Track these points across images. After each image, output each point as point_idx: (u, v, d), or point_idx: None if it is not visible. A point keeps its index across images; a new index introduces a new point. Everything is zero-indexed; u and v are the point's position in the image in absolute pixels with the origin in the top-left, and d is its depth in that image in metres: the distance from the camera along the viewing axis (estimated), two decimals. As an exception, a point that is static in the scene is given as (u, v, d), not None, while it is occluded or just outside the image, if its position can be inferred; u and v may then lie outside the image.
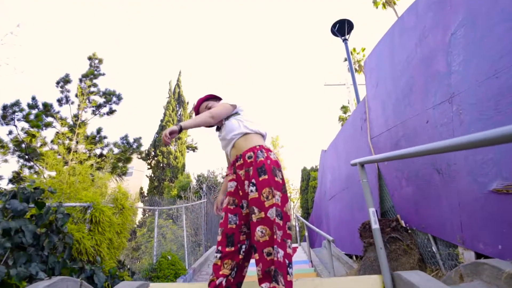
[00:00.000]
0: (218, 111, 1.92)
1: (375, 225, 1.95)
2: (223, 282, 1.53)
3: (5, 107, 7.31)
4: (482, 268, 1.70)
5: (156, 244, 5.28)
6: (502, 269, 1.55)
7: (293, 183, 25.75)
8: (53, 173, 4.40)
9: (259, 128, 1.92)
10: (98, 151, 9.03)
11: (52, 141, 7.81)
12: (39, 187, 2.50)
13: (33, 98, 8.08)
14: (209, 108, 2.08)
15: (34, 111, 7.84)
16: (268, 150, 1.77)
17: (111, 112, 9.37)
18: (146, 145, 19.63)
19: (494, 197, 2.04)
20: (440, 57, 2.75)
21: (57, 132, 7.79)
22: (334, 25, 9.61)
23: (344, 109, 18.12)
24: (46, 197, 2.92)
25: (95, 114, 9.13)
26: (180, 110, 21.03)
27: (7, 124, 7.34)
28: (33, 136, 7.21)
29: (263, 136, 1.94)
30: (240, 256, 1.60)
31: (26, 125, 7.58)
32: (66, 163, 5.37)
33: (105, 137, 9.09)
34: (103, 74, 9.58)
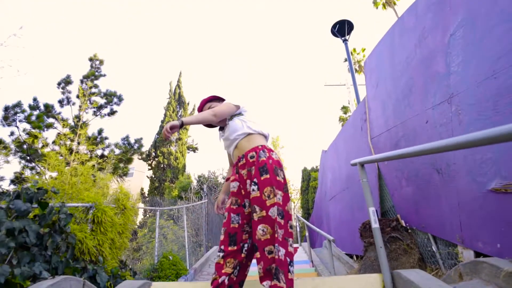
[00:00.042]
0: (221, 110, 1.93)
1: (375, 224, 1.97)
2: (226, 281, 1.54)
3: (6, 108, 7.34)
4: (481, 266, 1.72)
5: (157, 244, 5.30)
6: (501, 267, 1.56)
7: (294, 184, 25.76)
8: (54, 174, 4.43)
9: (262, 128, 1.94)
10: (99, 152, 9.06)
11: (54, 142, 7.83)
12: (42, 187, 2.52)
13: (35, 99, 8.12)
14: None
15: (36, 112, 7.88)
16: (270, 150, 1.79)
17: (112, 113, 9.40)
18: (146, 146, 19.66)
19: (493, 197, 2.06)
20: (439, 57, 2.77)
21: (59, 133, 7.83)
22: (334, 26, 9.64)
23: (345, 109, 18.13)
24: (49, 197, 2.95)
25: (96, 115, 9.17)
26: (180, 110, 21.07)
27: (9, 125, 7.37)
28: (35, 137, 7.24)
29: (265, 137, 1.96)
30: (243, 255, 1.62)
31: (27, 126, 7.62)
32: (68, 163, 5.39)
33: (106, 138, 9.12)
34: (104, 75, 9.61)
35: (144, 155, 18.16)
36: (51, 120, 8.31)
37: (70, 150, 6.20)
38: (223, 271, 1.57)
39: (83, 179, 4.03)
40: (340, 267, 5.12)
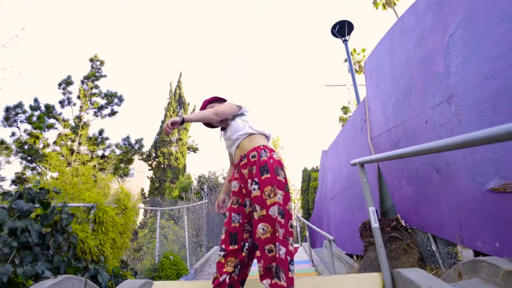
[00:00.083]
0: (222, 109, 1.94)
1: (375, 224, 1.99)
2: (227, 280, 1.56)
3: (8, 109, 7.36)
4: (480, 265, 1.73)
5: (158, 244, 5.31)
6: (500, 266, 1.58)
7: (294, 184, 25.76)
8: (55, 174, 4.45)
9: (263, 129, 1.96)
10: (100, 152, 9.08)
11: (55, 143, 7.85)
12: (44, 187, 2.54)
13: (35, 100, 8.13)
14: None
15: (37, 113, 7.89)
16: (272, 150, 1.81)
17: (112, 113, 9.41)
18: (147, 146, 19.70)
19: (491, 196, 2.07)
20: (439, 58, 2.78)
21: (60, 134, 7.84)
22: (334, 26, 9.66)
23: (345, 109, 18.15)
24: (51, 197, 2.96)
25: (97, 116, 9.18)
26: (181, 111, 21.09)
27: (10, 126, 7.39)
28: (37, 137, 7.26)
29: (267, 137, 1.98)
30: (243, 254, 1.63)
31: (28, 127, 7.64)
32: (69, 164, 5.41)
33: (107, 138, 9.14)
34: (105, 76, 9.63)
35: (144, 156, 18.21)
36: (52, 120, 8.33)
37: (71, 151, 6.22)
38: (224, 270, 1.58)
39: (84, 179, 4.05)
40: (340, 267, 5.13)
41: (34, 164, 7.55)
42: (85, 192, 3.74)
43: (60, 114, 8.70)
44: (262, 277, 1.47)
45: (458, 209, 2.47)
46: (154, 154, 19.62)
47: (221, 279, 1.55)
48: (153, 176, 19.15)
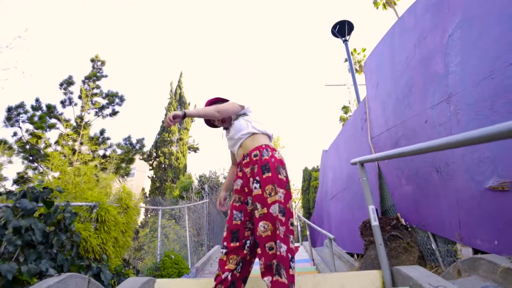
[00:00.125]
0: (225, 107, 1.95)
1: (375, 222, 2.01)
2: (229, 277, 1.58)
3: (9, 109, 7.40)
4: (479, 263, 1.76)
5: (159, 243, 5.34)
6: (498, 263, 1.60)
7: (295, 184, 25.76)
8: (56, 174, 4.47)
9: (266, 129, 1.98)
10: (101, 152, 9.12)
11: (57, 142, 7.89)
12: (47, 186, 2.56)
13: (37, 100, 8.17)
14: None
15: (38, 113, 7.93)
16: (273, 149, 1.83)
17: (114, 113, 9.45)
18: (147, 146, 19.73)
19: (490, 195, 2.10)
20: (438, 58, 2.81)
21: (61, 134, 7.88)
22: (334, 26, 9.68)
23: (345, 109, 18.18)
24: (54, 196, 2.99)
25: (98, 116, 9.22)
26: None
27: (12, 126, 7.43)
28: (39, 137, 7.30)
29: (269, 137, 2.00)
30: (245, 251, 1.65)
31: (30, 127, 7.68)
32: (71, 163, 5.44)
33: (108, 138, 9.18)
34: (106, 76, 9.67)
35: (145, 155, 18.24)
36: (53, 120, 8.37)
37: (73, 150, 6.25)
38: (226, 267, 1.61)
39: (86, 179, 4.08)
40: (341, 265, 5.16)
41: (35, 164, 7.58)
42: (87, 192, 3.77)
43: (62, 114, 8.75)
44: (263, 274, 1.49)
45: (458, 208, 2.49)
46: (155, 154, 19.67)
47: (223, 276, 1.58)
48: (154, 176, 19.20)
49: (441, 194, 2.73)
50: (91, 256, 3.00)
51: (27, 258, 2.22)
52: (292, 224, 1.63)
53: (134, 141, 9.87)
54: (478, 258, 1.76)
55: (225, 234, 1.71)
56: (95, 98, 9.06)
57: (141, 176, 22.90)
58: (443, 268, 2.81)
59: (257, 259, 1.66)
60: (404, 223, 3.46)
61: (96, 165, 5.54)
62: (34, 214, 2.41)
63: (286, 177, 1.73)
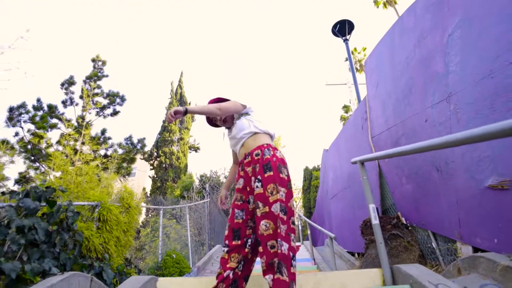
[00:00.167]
0: (226, 106, 1.96)
1: (375, 221, 2.03)
2: (230, 275, 1.59)
3: (11, 109, 7.43)
4: (478, 261, 1.77)
5: (161, 242, 5.36)
6: (497, 262, 1.61)
7: (295, 183, 25.74)
8: (58, 174, 4.49)
9: (267, 128, 1.99)
10: (102, 152, 9.14)
11: (58, 142, 7.91)
12: (50, 186, 2.58)
13: (38, 100, 8.19)
14: None
15: (40, 113, 7.95)
16: (275, 148, 1.84)
17: (115, 113, 9.47)
18: (148, 146, 19.76)
19: (490, 193, 2.11)
20: (438, 57, 2.82)
21: (63, 133, 7.91)
22: (335, 26, 9.67)
23: (346, 108, 18.18)
24: (57, 196, 3.01)
25: (99, 116, 9.25)
26: (182, 111, 21.09)
27: (13, 126, 7.46)
28: (41, 137, 7.32)
29: (271, 136, 2.01)
30: (246, 250, 1.67)
31: (32, 127, 7.70)
32: (72, 163, 5.46)
33: (109, 138, 9.21)
34: (107, 76, 9.68)
35: (146, 155, 18.27)
36: (54, 120, 8.39)
37: (75, 150, 6.27)
38: (227, 265, 1.62)
39: (88, 179, 4.10)
40: (341, 264, 5.17)
41: (37, 164, 7.61)
42: (89, 191, 3.78)
43: (63, 114, 8.77)
44: (264, 273, 1.50)
45: (458, 207, 2.50)
46: (155, 154, 19.69)
47: (224, 274, 1.59)
48: (155, 176, 19.22)
49: (441, 193, 2.75)
50: (93, 255, 3.02)
51: (31, 257, 2.24)
52: (293, 223, 1.65)
53: (135, 140, 9.91)
54: (477, 256, 1.77)
55: (226, 232, 1.73)
56: (96, 98, 9.08)
57: (142, 175, 22.91)
58: (443, 266, 2.82)
59: (258, 258, 1.67)
60: (404, 222, 3.47)
61: (97, 165, 5.56)
62: (37, 214, 2.42)
63: (288, 176, 1.74)
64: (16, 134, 7.52)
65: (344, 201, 6.25)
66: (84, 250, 2.95)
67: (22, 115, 7.50)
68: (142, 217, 12.92)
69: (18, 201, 2.32)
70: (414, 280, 1.66)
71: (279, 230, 1.52)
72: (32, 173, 7.59)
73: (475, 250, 2.31)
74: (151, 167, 19.86)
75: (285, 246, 1.51)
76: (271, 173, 1.66)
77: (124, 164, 9.22)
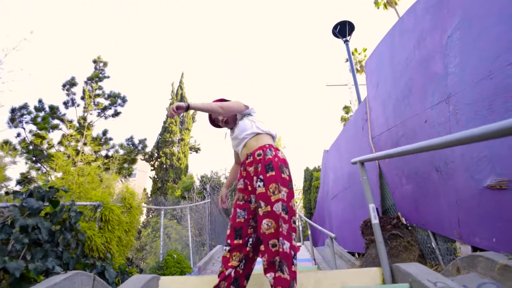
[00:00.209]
0: (229, 104, 1.98)
1: (375, 220, 2.05)
2: (232, 273, 1.61)
3: (13, 110, 7.46)
4: (477, 260, 1.79)
5: (162, 242, 5.39)
6: (496, 260, 1.63)
7: (296, 184, 25.73)
8: (59, 174, 4.52)
9: (270, 129, 2.01)
10: (103, 153, 9.17)
11: (60, 143, 7.95)
12: (53, 186, 2.60)
13: (40, 101, 8.23)
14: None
15: (41, 114, 7.99)
16: (277, 149, 1.86)
17: (116, 114, 9.50)
18: (149, 146, 19.76)
19: (488, 193, 2.13)
20: (437, 59, 2.84)
21: (64, 134, 7.94)
22: (335, 27, 9.70)
23: (346, 109, 18.19)
24: (60, 196, 3.03)
25: (101, 116, 9.28)
26: (182, 111, 21.12)
27: (15, 127, 7.49)
28: (43, 138, 7.35)
29: (273, 137, 2.03)
30: (248, 249, 1.69)
31: (33, 128, 7.74)
32: (74, 164, 5.49)
33: (110, 139, 9.24)
34: (108, 77, 9.72)
35: (147, 156, 18.29)
36: (56, 121, 8.43)
37: (76, 151, 6.30)
38: (229, 264, 1.64)
39: (90, 179, 4.13)
40: (342, 264, 5.18)
41: (39, 165, 7.64)
42: (91, 192, 3.81)
43: (64, 115, 8.80)
44: (266, 271, 1.52)
45: (457, 207, 2.52)
46: (156, 155, 19.71)
47: (226, 273, 1.61)
48: (156, 176, 19.24)
49: (441, 193, 2.77)
50: (95, 255, 3.04)
51: (34, 256, 2.26)
52: (294, 222, 1.67)
53: (136, 141, 9.93)
54: (476, 255, 1.79)
55: (228, 231, 1.75)
56: (98, 99, 9.12)
57: (142, 176, 22.95)
58: (443, 266, 2.84)
59: (259, 258, 1.69)
60: (404, 222, 3.49)
61: (99, 166, 5.59)
62: (40, 213, 2.45)
63: (289, 176, 1.76)
64: (18, 135, 7.56)
65: (345, 201, 6.27)
66: (87, 249, 2.97)
67: (24, 116, 7.54)
68: (143, 218, 12.94)
69: (22, 201, 2.34)
70: (413, 278, 1.68)
71: (280, 229, 1.54)
72: (33, 173, 7.62)
73: (474, 249, 2.33)
74: (152, 168, 19.88)
75: (286, 245, 1.53)
76: (273, 173, 1.68)
77: (126, 165, 9.25)
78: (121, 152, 9.41)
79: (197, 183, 14.74)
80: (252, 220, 1.74)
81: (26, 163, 7.69)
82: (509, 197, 1.95)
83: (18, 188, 7.38)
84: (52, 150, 7.66)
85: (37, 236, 2.31)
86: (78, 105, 9.01)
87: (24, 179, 7.28)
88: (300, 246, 9.53)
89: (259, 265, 1.93)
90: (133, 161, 9.51)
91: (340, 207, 6.74)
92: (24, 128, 7.53)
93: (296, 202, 25.00)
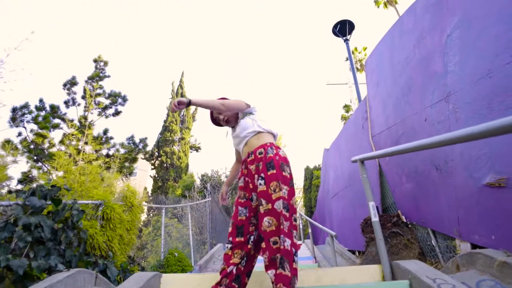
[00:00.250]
0: (230, 102, 2.00)
1: (375, 218, 2.06)
2: (234, 270, 1.63)
3: (14, 109, 7.48)
4: (476, 257, 1.80)
5: (163, 241, 5.41)
6: (494, 257, 1.65)
7: (296, 182, 25.75)
8: (60, 173, 4.54)
9: (271, 128, 2.02)
10: (104, 152, 9.19)
11: (61, 142, 7.97)
12: (55, 185, 2.62)
13: (41, 101, 8.25)
14: (220, 113, 2.14)
15: (42, 113, 8.01)
16: (278, 147, 1.88)
17: (117, 113, 9.52)
18: (149, 145, 19.78)
19: (487, 191, 2.14)
20: (437, 57, 2.85)
21: (65, 133, 7.96)
22: (335, 26, 9.70)
23: (347, 108, 18.19)
24: (62, 194, 3.05)
25: (101, 116, 9.30)
26: (183, 110, 21.18)
27: (16, 126, 7.51)
28: (44, 137, 7.37)
29: (274, 136, 2.04)
30: (249, 246, 1.70)
31: (34, 127, 7.76)
32: (75, 162, 5.51)
33: (111, 138, 9.26)
34: (109, 76, 9.74)
35: (147, 155, 18.32)
36: (57, 120, 8.45)
37: (77, 150, 6.33)
38: (231, 261, 1.66)
39: (91, 178, 4.15)
40: (342, 262, 5.20)
41: (40, 164, 7.66)
42: (92, 190, 3.83)
43: (65, 114, 8.83)
44: (267, 268, 1.54)
45: (456, 204, 2.54)
46: (156, 154, 19.73)
47: (228, 270, 1.63)
48: (156, 175, 19.27)
49: (441, 191, 2.78)
50: (97, 253, 3.06)
51: (37, 254, 2.29)
52: (295, 220, 1.68)
53: (137, 140, 9.96)
54: (475, 252, 1.81)
55: (230, 229, 1.76)
56: (99, 98, 9.14)
57: (143, 175, 22.97)
58: (442, 263, 2.85)
59: (260, 257, 1.70)
60: (404, 220, 3.51)
61: (100, 165, 5.61)
62: (43, 212, 2.47)
63: (290, 174, 1.78)
64: (19, 134, 7.59)
65: (345, 200, 6.29)
66: (89, 247, 2.99)
67: (25, 115, 7.56)
68: (143, 216, 12.96)
69: (25, 200, 2.37)
70: (413, 275, 1.70)
71: (281, 227, 1.56)
72: (35, 173, 7.64)
73: (474, 247, 2.34)
74: (152, 167, 19.91)
75: (287, 242, 1.55)
76: (274, 171, 1.70)
77: (126, 164, 9.28)
78: (122, 151, 9.44)
79: (198, 182, 14.78)
80: (253, 218, 1.76)
81: (27, 162, 7.72)
82: (507, 195, 1.96)
83: (19, 187, 7.40)
84: (53, 149, 7.69)
85: (40, 234, 2.33)
86: (79, 105, 9.05)
87: (26, 178, 7.30)
88: (301, 244, 9.56)
89: (260, 263, 1.95)
90: (134, 160, 9.53)
91: (340, 206, 6.76)
92: (25, 127, 7.56)
93: (297, 201, 24.99)
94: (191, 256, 6.36)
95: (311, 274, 2.02)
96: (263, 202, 1.64)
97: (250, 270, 1.74)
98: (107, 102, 9.36)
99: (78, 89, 9.35)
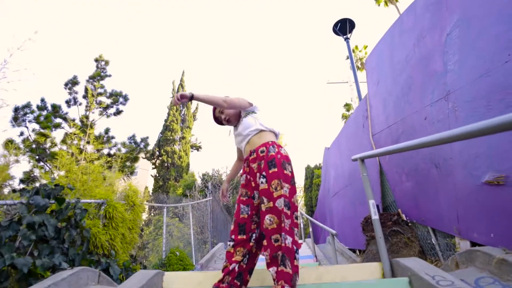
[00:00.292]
0: (233, 99, 2.00)
1: (375, 216, 2.08)
2: (236, 268, 1.65)
3: (16, 109, 7.52)
4: (475, 255, 1.82)
5: (164, 240, 5.44)
6: (493, 255, 1.67)
7: (297, 181, 25.73)
8: (62, 173, 4.56)
9: (273, 126, 2.04)
10: (106, 151, 9.22)
11: (63, 141, 7.99)
12: (59, 184, 2.65)
13: (42, 100, 8.27)
14: (222, 112, 2.16)
15: (44, 113, 8.04)
16: (279, 146, 1.90)
17: (118, 112, 9.54)
18: (151, 145, 19.81)
19: (486, 189, 2.16)
20: (437, 56, 2.87)
21: (67, 133, 7.99)
22: (335, 25, 9.70)
23: (347, 106, 18.19)
24: (65, 193, 3.08)
25: (103, 115, 9.33)
26: (184, 109, 21.20)
27: (18, 126, 7.54)
28: (46, 137, 7.40)
29: (276, 134, 2.06)
30: (251, 244, 1.72)
31: (36, 126, 7.79)
32: (77, 162, 5.54)
33: (113, 137, 9.28)
34: (110, 76, 9.76)
35: (148, 154, 18.35)
36: (58, 120, 8.48)
37: (79, 149, 6.36)
38: (233, 259, 1.68)
39: (93, 177, 4.17)
40: (343, 261, 5.23)
41: (42, 163, 7.69)
42: (94, 189, 3.85)
43: (67, 113, 8.85)
44: (268, 265, 1.56)
45: (456, 203, 2.56)
46: (157, 153, 19.76)
47: (230, 267, 1.65)
48: (157, 175, 19.30)
49: (440, 189, 2.80)
50: (100, 252, 3.09)
51: (41, 252, 2.31)
52: (296, 218, 1.70)
53: (138, 140, 9.98)
54: (474, 250, 1.83)
55: (232, 227, 1.78)
56: (100, 98, 9.16)
57: (144, 174, 22.99)
58: (442, 261, 2.87)
59: (261, 256, 1.72)
60: (404, 219, 3.52)
61: (102, 164, 5.63)
62: (47, 211, 2.49)
63: (291, 172, 1.80)
64: (21, 133, 7.62)
65: (346, 198, 6.31)
66: (91, 246, 3.02)
67: (27, 115, 7.59)
68: (145, 216, 12.98)
69: (29, 199, 2.39)
70: (413, 272, 1.72)
71: (283, 225, 1.58)
72: (37, 172, 7.67)
73: (473, 244, 2.36)
74: (153, 166, 19.93)
75: (289, 240, 1.57)
76: (276, 169, 1.71)
77: (128, 163, 9.30)
78: (123, 150, 9.46)
79: (199, 181, 14.81)
80: (255, 215, 1.78)
81: (29, 161, 7.75)
82: (506, 192, 1.98)
83: (21, 186, 7.43)
84: (55, 149, 7.72)
85: (44, 233, 2.36)
86: (80, 104, 9.07)
87: (28, 178, 7.34)
88: (302, 243, 9.58)
89: (262, 261, 1.97)
90: (135, 159, 9.56)
91: (341, 205, 6.78)
92: (27, 127, 7.59)
93: (297, 200, 25.01)
94: (192, 255, 6.39)
95: (312, 271, 2.04)
96: (265, 200, 1.66)
97: (252, 267, 1.76)
98: (109, 101, 9.39)
99: (80, 89, 9.40)
